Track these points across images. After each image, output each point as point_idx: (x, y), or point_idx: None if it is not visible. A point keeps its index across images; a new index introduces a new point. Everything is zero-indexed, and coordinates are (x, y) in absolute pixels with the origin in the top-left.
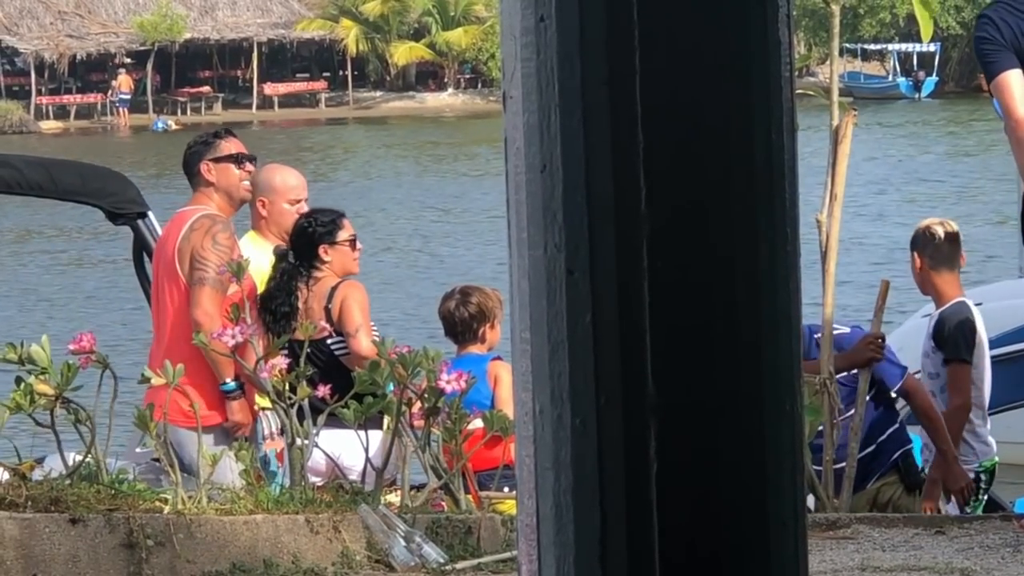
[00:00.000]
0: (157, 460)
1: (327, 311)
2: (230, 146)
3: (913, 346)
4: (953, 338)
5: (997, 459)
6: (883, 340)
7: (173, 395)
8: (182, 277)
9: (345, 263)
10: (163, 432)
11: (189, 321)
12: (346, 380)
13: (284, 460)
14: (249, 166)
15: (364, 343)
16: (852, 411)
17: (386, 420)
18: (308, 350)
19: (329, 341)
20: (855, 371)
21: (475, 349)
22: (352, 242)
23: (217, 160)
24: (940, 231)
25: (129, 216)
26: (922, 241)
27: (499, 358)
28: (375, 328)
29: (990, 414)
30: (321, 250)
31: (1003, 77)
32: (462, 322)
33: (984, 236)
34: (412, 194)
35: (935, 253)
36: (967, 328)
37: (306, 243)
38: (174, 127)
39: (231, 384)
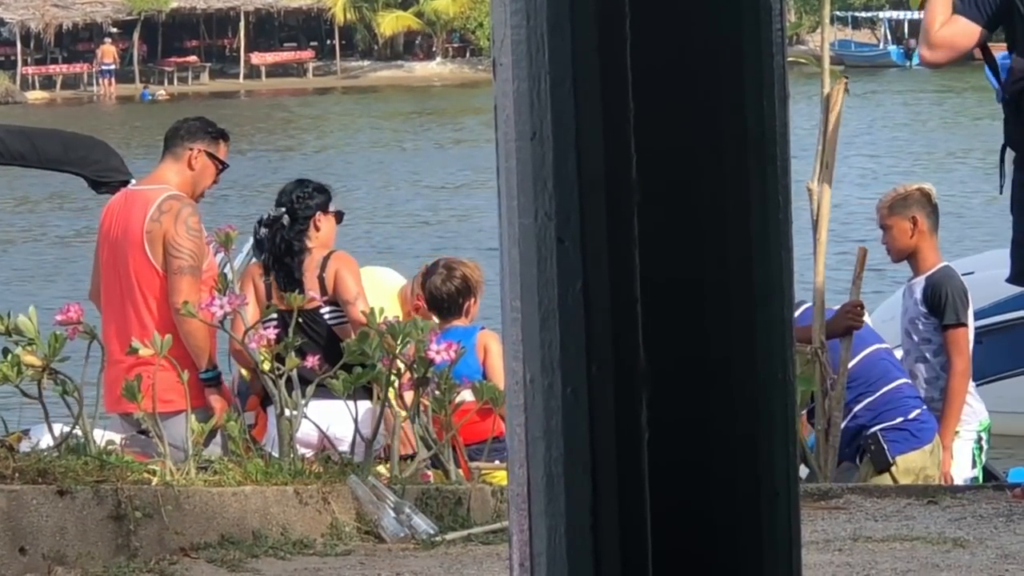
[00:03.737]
0: (144, 432)
1: (320, 280)
2: (224, 151)
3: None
4: (952, 302)
5: (988, 420)
6: (862, 308)
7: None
8: (154, 263)
9: (330, 235)
10: (152, 403)
11: (168, 309)
12: (341, 350)
13: (264, 436)
14: (217, 179)
15: (363, 309)
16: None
17: (376, 391)
18: (300, 320)
19: (323, 311)
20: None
21: (459, 323)
22: (339, 214)
23: (210, 155)
24: (934, 193)
25: (112, 184)
26: (918, 203)
27: (485, 328)
28: None
29: (982, 384)
30: (317, 218)
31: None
32: (448, 296)
33: (972, 205)
34: (400, 163)
35: (932, 214)
36: (963, 291)
37: (304, 208)
38: (164, 96)
39: (211, 372)
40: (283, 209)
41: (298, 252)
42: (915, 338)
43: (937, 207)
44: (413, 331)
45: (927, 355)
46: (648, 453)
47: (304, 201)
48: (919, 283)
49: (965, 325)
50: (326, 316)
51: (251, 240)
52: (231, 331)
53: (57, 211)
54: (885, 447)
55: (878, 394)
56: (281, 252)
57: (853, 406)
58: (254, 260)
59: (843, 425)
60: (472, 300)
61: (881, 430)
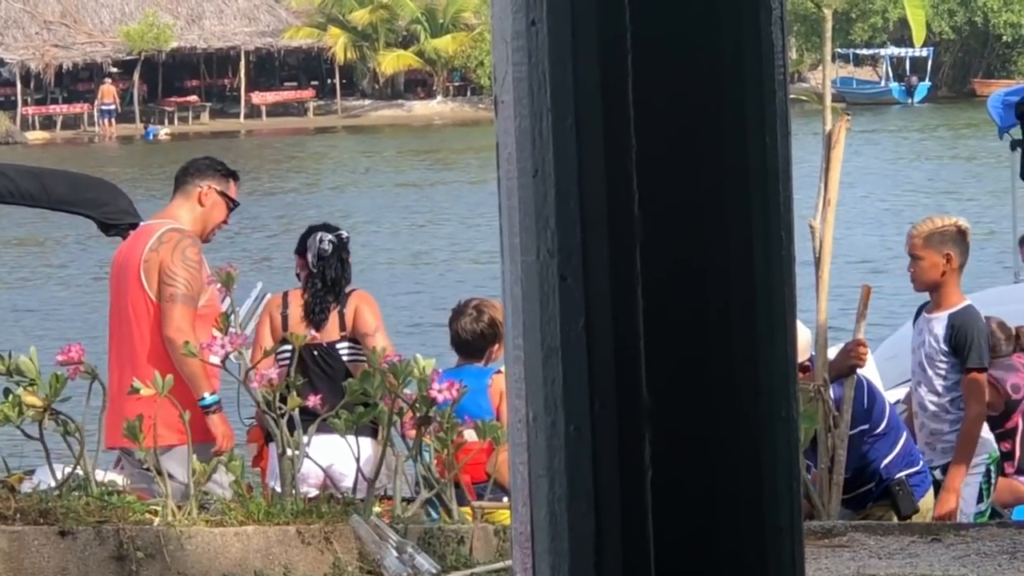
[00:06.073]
0: (149, 469)
1: (341, 315)
2: (234, 190)
3: (907, 352)
4: (977, 346)
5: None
6: (865, 347)
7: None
8: (148, 293)
9: None
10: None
11: (161, 339)
12: None
13: (268, 468)
14: (228, 218)
15: (381, 343)
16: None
17: (380, 430)
18: (316, 354)
19: (339, 346)
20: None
21: (475, 364)
22: None
23: (220, 193)
24: (970, 231)
25: (121, 226)
26: (954, 240)
27: (501, 371)
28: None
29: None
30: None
31: None
32: (473, 337)
33: (974, 243)
34: (402, 203)
35: (965, 252)
36: (986, 333)
37: (347, 252)
38: (166, 136)
39: (210, 398)
40: (345, 233)
41: (342, 289)
42: (930, 373)
43: (969, 245)
44: (415, 370)
45: (939, 389)
46: (652, 491)
47: (347, 245)
48: (940, 320)
49: (987, 369)
50: (343, 352)
51: (259, 285)
52: (248, 363)
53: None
54: (912, 493)
55: (902, 442)
56: (329, 285)
57: (886, 456)
58: (268, 297)
59: (875, 470)
60: (497, 345)
61: (907, 475)
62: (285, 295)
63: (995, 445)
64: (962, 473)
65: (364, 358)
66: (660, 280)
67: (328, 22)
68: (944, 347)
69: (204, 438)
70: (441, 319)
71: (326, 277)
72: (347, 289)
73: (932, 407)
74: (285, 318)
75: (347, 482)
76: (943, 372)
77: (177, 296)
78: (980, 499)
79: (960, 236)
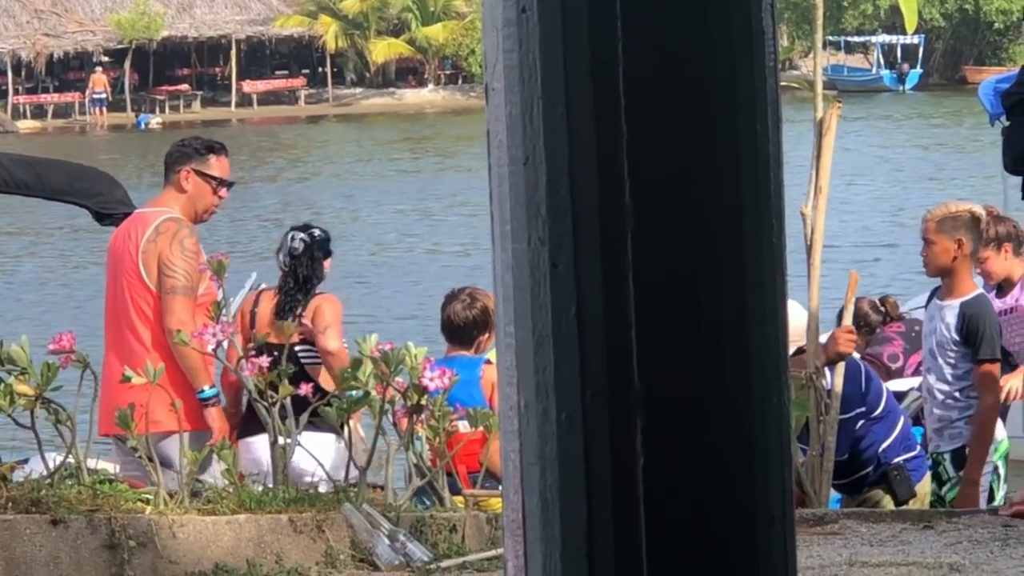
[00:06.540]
0: (142, 457)
1: (299, 318)
2: (219, 165)
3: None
4: (989, 337)
5: (1006, 443)
6: (853, 334)
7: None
8: (148, 283)
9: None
10: (145, 431)
11: (162, 330)
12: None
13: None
14: (224, 192)
15: (332, 341)
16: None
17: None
18: (276, 354)
19: (297, 348)
20: None
21: (465, 353)
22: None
23: (200, 174)
24: (984, 217)
25: (116, 216)
26: (967, 226)
27: (490, 362)
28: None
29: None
30: (327, 263)
31: None
32: (464, 324)
33: None
34: (393, 192)
35: (977, 239)
36: (997, 323)
37: (322, 251)
38: (157, 125)
39: (209, 391)
40: (318, 232)
41: (312, 287)
42: (940, 361)
43: (983, 232)
44: (407, 358)
45: (949, 378)
46: (643, 478)
47: (323, 246)
48: (951, 308)
49: (999, 360)
50: (299, 352)
51: (253, 275)
52: (224, 359)
53: None
54: (909, 477)
55: (900, 426)
56: (301, 283)
57: (883, 440)
58: (262, 287)
59: (873, 454)
60: (486, 335)
61: (904, 460)
62: (259, 294)
63: (1005, 435)
64: (980, 464)
65: (320, 361)
66: (651, 268)
67: (319, 10)
68: (956, 336)
69: (202, 426)
70: (413, 309)
71: (297, 275)
72: (316, 290)
73: (940, 395)
74: (253, 316)
75: (308, 478)
76: (953, 361)
77: (177, 288)
78: (991, 498)
79: (974, 223)
